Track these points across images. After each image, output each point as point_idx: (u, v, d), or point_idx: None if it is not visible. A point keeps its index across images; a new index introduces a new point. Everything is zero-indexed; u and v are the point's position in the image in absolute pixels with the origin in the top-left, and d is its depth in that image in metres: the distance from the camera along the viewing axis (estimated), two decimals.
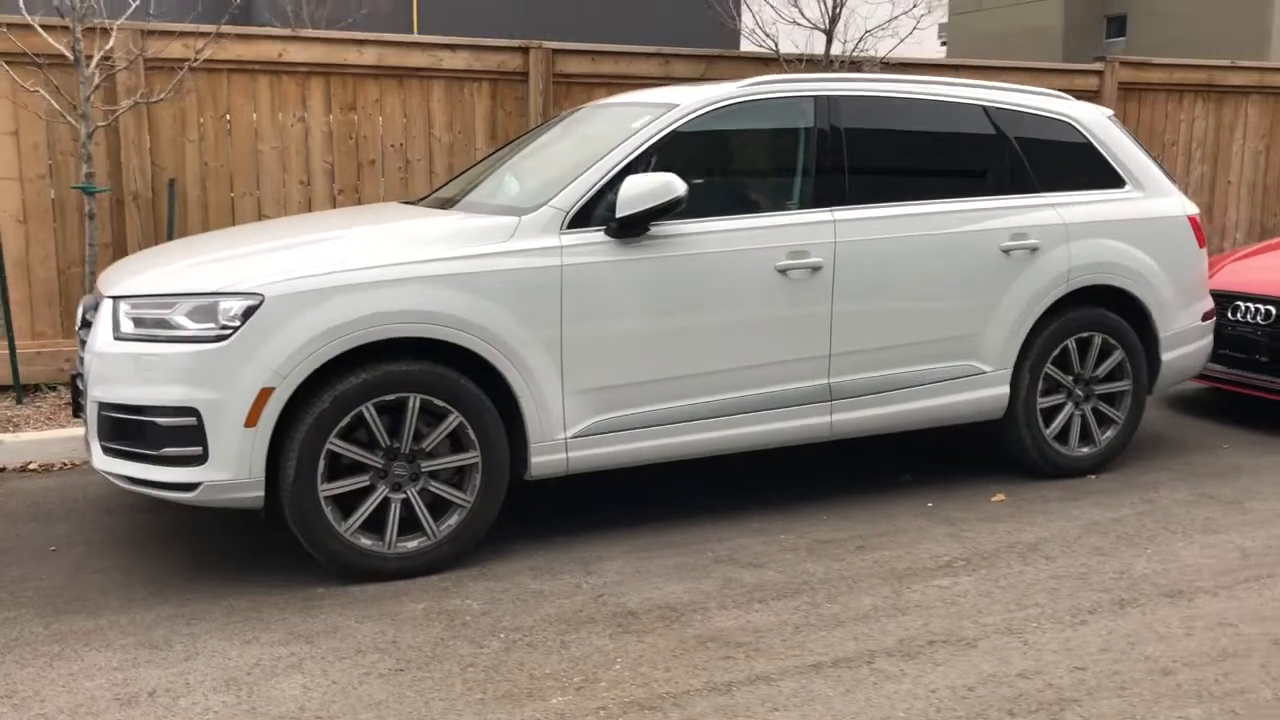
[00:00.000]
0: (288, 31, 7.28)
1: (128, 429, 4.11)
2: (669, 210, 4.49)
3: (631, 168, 4.60)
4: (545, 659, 3.61)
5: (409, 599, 4.08)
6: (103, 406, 4.16)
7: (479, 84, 7.64)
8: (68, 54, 6.30)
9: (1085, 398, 5.56)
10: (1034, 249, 5.29)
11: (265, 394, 4.01)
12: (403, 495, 4.26)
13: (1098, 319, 5.50)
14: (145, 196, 6.94)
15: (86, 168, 6.39)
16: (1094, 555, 4.49)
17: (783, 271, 4.76)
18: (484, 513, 4.38)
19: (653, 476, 5.19)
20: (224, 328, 4.02)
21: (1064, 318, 5.42)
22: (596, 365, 4.48)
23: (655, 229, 4.58)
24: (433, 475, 4.30)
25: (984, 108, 5.40)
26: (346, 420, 4.13)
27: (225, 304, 4.04)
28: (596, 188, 4.54)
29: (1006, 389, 5.32)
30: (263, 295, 4.04)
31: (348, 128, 7.38)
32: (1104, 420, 5.62)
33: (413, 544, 4.29)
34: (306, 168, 7.32)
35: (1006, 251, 5.23)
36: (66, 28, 6.32)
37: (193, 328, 4.05)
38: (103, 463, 4.22)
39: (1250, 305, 6.51)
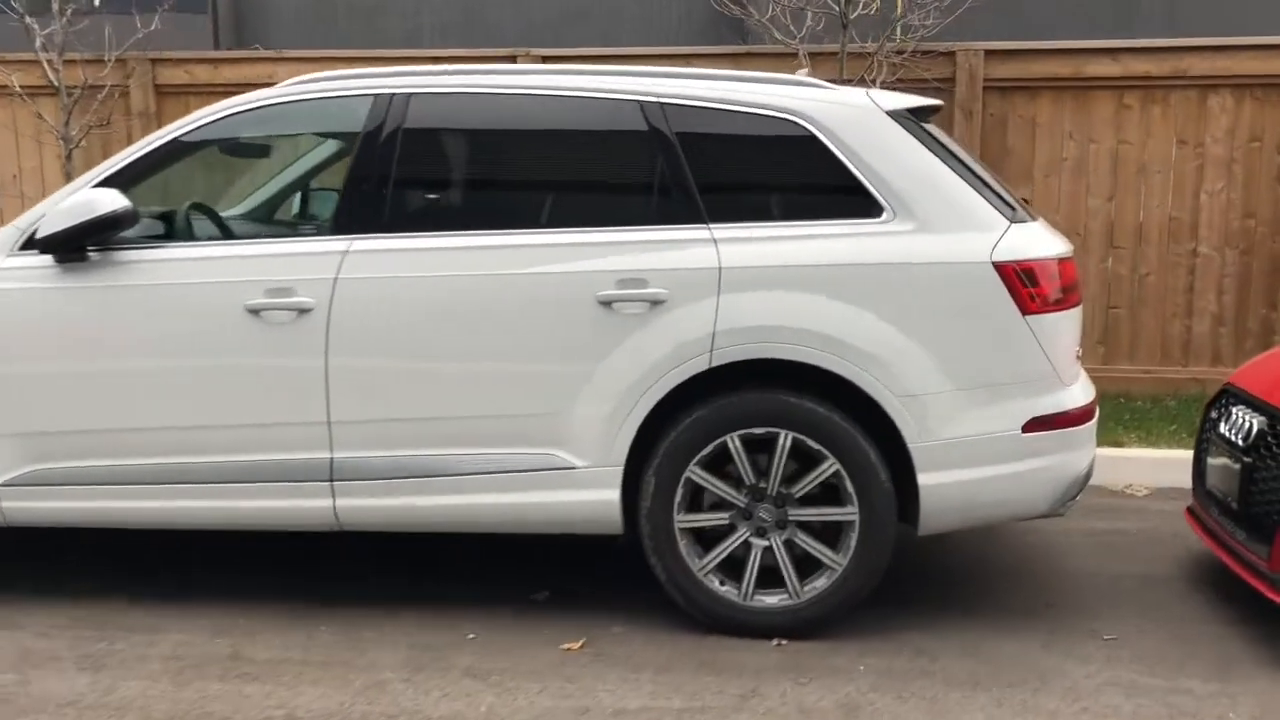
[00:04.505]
0: (274, 53, 7.33)
1: None
2: (95, 231, 3.83)
3: (111, 181, 3.98)
4: None
5: None
6: None
7: None
8: (53, 84, 6.96)
9: (775, 524, 3.77)
10: (656, 301, 3.70)
11: None
12: None
13: (781, 410, 3.69)
14: None
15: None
16: None
17: (255, 312, 3.82)
18: None
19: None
20: None
21: (719, 403, 3.73)
22: (16, 406, 3.94)
23: (120, 255, 3.92)
24: None
25: (641, 104, 3.87)
26: None
27: None
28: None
29: (614, 495, 3.78)
30: None
31: None
32: (812, 564, 3.77)
33: None
34: None
35: (607, 303, 3.72)
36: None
37: None
38: None
39: (1239, 413, 3.97)
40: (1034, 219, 3.95)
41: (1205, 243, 6.73)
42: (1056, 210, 6.80)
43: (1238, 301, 6.74)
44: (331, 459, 3.85)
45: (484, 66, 4.11)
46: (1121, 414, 6.34)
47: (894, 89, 6.58)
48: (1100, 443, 5.91)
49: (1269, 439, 3.72)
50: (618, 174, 3.92)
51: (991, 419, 3.68)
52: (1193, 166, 6.71)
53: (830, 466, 3.70)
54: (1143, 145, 6.73)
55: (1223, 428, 4.02)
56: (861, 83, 6.12)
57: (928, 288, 3.66)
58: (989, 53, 6.69)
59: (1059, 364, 3.72)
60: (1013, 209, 3.81)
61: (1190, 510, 4.36)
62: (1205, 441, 4.20)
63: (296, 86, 4.06)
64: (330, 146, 4.49)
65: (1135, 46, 6.62)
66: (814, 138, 3.78)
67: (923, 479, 3.67)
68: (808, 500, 3.76)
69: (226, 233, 4.38)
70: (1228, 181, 6.69)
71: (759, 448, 3.74)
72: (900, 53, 6.59)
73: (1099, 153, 6.75)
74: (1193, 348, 6.80)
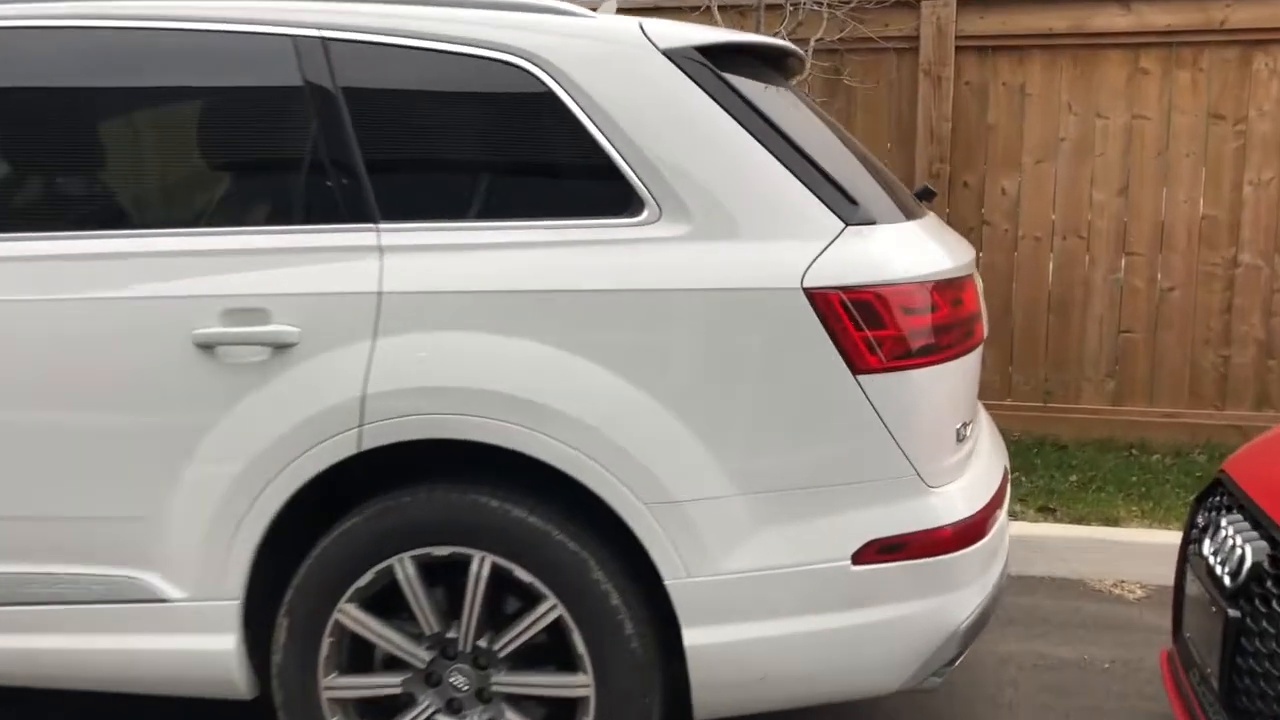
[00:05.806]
0: None
1: None
2: None
3: None
4: None
5: None
6: None
7: None
8: None
9: (476, 695, 2.42)
10: (282, 345, 2.37)
11: None
12: None
13: (473, 519, 2.34)
14: None
15: None
16: None
17: None
18: None
19: None
20: None
21: (380, 507, 2.38)
22: None
23: None
24: None
25: (294, 41, 2.53)
26: None
27: None
28: None
29: (230, 642, 2.45)
30: None
31: None
32: None
33: None
34: None
35: (208, 346, 2.39)
36: None
37: None
38: None
39: (1229, 527, 2.48)
40: (914, 217, 2.54)
41: (1248, 248, 5.17)
42: (1051, 206, 5.30)
43: None
44: None
45: None
46: (1128, 474, 4.83)
47: (834, 50, 5.20)
48: (1091, 519, 4.46)
49: (1270, 583, 2.25)
50: (249, 146, 2.57)
51: (802, 543, 2.28)
52: (1232, 149, 5.14)
53: (550, 610, 2.33)
54: (1165, 121, 5.18)
55: (1206, 547, 2.55)
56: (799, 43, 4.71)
57: (701, 330, 2.28)
58: (962, 1, 5.21)
59: (918, 452, 2.30)
60: (854, 205, 2.39)
61: (1169, 657, 2.89)
62: (1188, 560, 2.73)
63: None
64: None
65: None
66: (548, 93, 2.41)
67: (690, 635, 2.29)
68: (522, 660, 2.40)
69: None
70: (1279, 169, 5.13)
71: (454, 576, 2.40)
72: (846, 3, 5.14)
73: (1108, 131, 5.24)
74: (1231, 385, 5.24)
